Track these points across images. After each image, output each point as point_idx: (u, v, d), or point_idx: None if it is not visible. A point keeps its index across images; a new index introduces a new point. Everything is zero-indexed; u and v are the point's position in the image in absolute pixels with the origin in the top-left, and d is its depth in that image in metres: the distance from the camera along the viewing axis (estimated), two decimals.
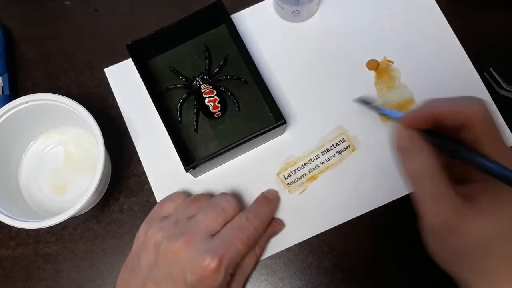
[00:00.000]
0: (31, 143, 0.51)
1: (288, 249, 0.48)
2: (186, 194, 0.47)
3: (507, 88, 0.50)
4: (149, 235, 0.41)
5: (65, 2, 0.56)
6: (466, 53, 0.52)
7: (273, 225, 0.47)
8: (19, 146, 0.50)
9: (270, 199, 0.48)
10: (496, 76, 0.51)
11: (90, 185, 0.43)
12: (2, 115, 0.46)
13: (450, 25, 0.52)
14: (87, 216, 0.50)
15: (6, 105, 0.46)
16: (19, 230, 0.49)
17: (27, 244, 0.50)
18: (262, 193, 0.49)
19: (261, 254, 0.46)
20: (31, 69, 0.54)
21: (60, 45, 0.54)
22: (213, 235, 0.41)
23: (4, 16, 0.56)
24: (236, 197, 0.49)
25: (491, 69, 0.51)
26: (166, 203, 0.45)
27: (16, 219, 0.43)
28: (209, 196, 0.46)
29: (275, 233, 0.48)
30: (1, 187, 0.47)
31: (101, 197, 0.50)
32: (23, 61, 0.54)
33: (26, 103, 0.46)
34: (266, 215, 0.46)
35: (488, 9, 0.54)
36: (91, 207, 0.49)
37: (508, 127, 0.50)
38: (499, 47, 0.51)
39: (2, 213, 0.43)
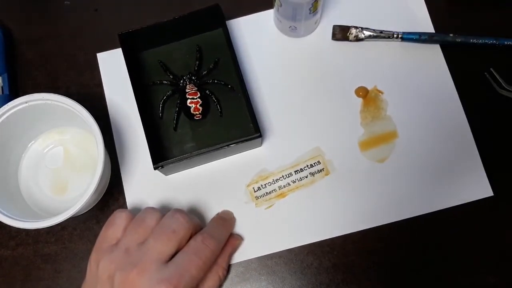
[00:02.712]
0: (31, 143, 0.51)
1: (289, 249, 0.48)
2: (131, 213, 0.43)
3: (508, 88, 0.50)
4: (101, 268, 0.40)
5: (65, 2, 0.56)
6: (466, 52, 0.52)
7: (231, 242, 0.47)
8: (19, 146, 0.50)
9: (226, 220, 0.48)
10: (497, 76, 0.51)
11: (90, 185, 0.43)
12: (2, 115, 0.46)
13: (450, 25, 0.52)
14: (87, 216, 0.50)
15: (6, 105, 0.45)
16: (18, 230, 0.49)
17: (26, 244, 0.50)
18: (218, 213, 0.49)
19: (224, 275, 0.45)
20: (31, 69, 0.54)
21: (60, 45, 0.54)
22: (167, 261, 0.40)
23: (4, 16, 0.55)
24: (201, 203, 0.49)
25: (491, 69, 0.51)
26: (110, 228, 0.43)
27: (16, 219, 0.43)
28: (157, 212, 0.43)
29: (234, 249, 0.47)
30: (1, 187, 0.47)
31: (101, 197, 0.50)
32: (23, 61, 0.54)
33: (26, 103, 0.46)
34: (222, 235, 0.46)
35: (488, 8, 0.53)
36: (91, 207, 0.49)
37: (509, 126, 0.50)
38: (499, 46, 0.51)
39: (2, 213, 0.43)
